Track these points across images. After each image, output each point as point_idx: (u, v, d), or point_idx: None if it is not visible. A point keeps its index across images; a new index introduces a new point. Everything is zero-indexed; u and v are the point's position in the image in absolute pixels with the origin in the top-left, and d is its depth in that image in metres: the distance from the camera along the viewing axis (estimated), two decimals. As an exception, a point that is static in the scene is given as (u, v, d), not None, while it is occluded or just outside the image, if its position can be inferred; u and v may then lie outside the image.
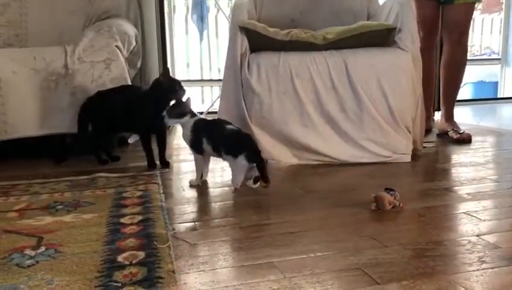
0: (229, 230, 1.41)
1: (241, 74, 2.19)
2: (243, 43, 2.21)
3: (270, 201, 1.71)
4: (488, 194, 1.70)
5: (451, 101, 2.84)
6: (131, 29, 2.77)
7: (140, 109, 2.13)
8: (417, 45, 2.25)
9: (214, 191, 1.84)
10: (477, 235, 1.31)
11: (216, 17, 4.90)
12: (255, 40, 2.23)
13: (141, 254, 1.17)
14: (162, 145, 2.20)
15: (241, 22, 2.21)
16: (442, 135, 2.81)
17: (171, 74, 2.19)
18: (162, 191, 1.76)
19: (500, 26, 4.98)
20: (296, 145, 2.20)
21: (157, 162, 2.18)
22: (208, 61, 4.91)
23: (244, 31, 2.21)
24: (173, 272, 1.08)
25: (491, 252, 1.20)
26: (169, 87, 2.07)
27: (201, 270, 1.13)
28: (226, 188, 1.85)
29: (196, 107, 4.27)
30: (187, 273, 1.11)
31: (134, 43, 2.72)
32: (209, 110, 3.73)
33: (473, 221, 1.43)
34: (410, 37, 2.23)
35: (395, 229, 1.39)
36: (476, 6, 2.78)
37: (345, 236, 1.33)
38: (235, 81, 2.20)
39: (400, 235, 1.33)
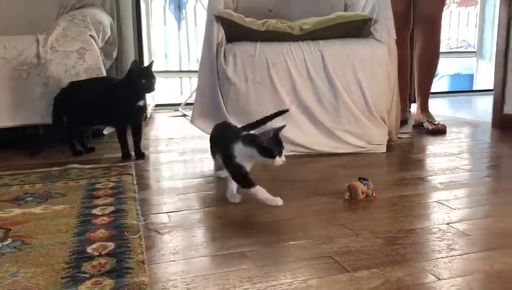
0: (203, 221, 1.40)
1: (217, 64, 2.17)
2: (219, 32, 2.19)
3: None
4: (460, 184, 1.72)
5: (425, 93, 2.86)
6: (106, 19, 2.72)
7: (115, 99, 2.09)
8: (393, 36, 2.26)
9: (190, 182, 1.82)
10: (448, 224, 1.33)
11: (195, 7, 4.85)
12: (231, 30, 2.21)
13: (111, 245, 1.16)
14: (138, 136, 2.17)
15: (216, 11, 2.19)
16: (418, 126, 2.84)
17: (146, 65, 2.16)
18: (135, 182, 1.73)
19: (476, 20, 5.06)
20: (273, 136, 2.19)
21: (132, 154, 2.16)
22: (187, 52, 4.87)
23: (220, 20, 2.19)
24: (143, 262, 1.07)
25: (460, 240, 1.21)
26: (142, 77, 2.03)
27: (172, 261, 1.12)
28: (202, 179, 1.84)
29: (174, 98, 4.26)
30: (157, 263, 1.10)
31: (109, 33, 2.67)
32: (188, 102, 3.70)
33: (444, 210, 1.45)
34: (386, 28, 2.24)
35: (367, 218, 1.40)
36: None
37: (318, 225, 1.34)
38: (211, 71, 2.18)
39: (372, 224, 1.34)
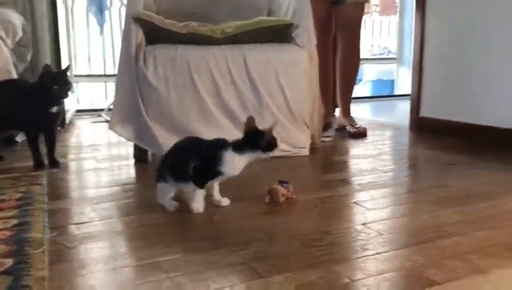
0: (117, 231, 1.33)
1: (136, 68, 2.09)
2: (138, 34, 2.11)
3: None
4: (377, 184, 1.77)
5: (347, 98, 2.95)
6: (17, 19, 2.55)
7: (25, 104, 1.95)
8: (313, 42, 2.30)
9: (107, 191, 1.73)
10: (363, 224, 1.35)
11: (120, 9, 4.69)
12: (151, 32, 2.14)
13: (9, 262, 1.06)
14: (51, 143, 2.04)
15: (135, 13, 2.11)
16: (341, 130, 2.91)
17: (60, 70, 2.04)
18: (45, 193, 1.62)
19: (396, 28, 5.31)
20: (196, 141, 2.15)
21: (46, 162, 2.02)
22: (112, 56, 4.68)
23: (139, 22, 2.12)
24: (43, 279, 0.99)
25: (374, 240, 1.24)
26: (54, 83, 1.91)
27: (79, 275, 1.05)
28: (119, 188, 1.75)
29: (99, 103, 4.08)
30: (61, 279, 1.02)
31: (20, 34, 2.50)
32: (111, 107, 3.55)
33: (361, 210, 1.48)
34: (307, 34, 2.28)
35: (286, 221, 1.40)
36: (365, 6, 2.91)
37: (237, 231, 1.31)
38: (130, 75, 2.10)
39: (290, 227, 1.33)
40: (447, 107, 2.78)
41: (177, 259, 1.13)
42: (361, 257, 1.14)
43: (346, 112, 2.95)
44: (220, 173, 1.41)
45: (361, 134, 2.76)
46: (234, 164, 1.42)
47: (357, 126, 2.84)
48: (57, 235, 1.26)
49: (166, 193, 1.47)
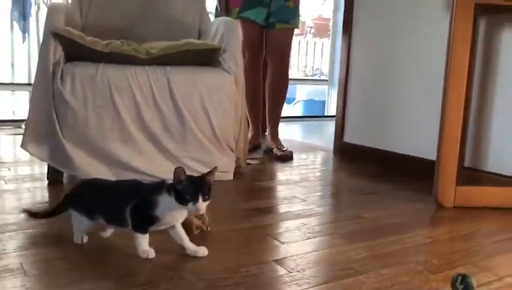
0: (14, 268, 1.24)
1: (53, 85, 1.99)
2: (56, 51, 2.02)
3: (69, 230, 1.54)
4: (294, 214, 1.79)
5: (275, 120, 2.99)
6: None
7: None
8: (240, 67, 2.30)
9: (11, 218, 1.61)
10: (275, 261, 1.35)
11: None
12: (71, 49, 2.06)
13: None
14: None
15: (54, 28, 2.02)
16: (268, 152, 2.94)
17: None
18: None
19: (329, 50, 5.47)
20: (115, 164, 2.08)
21: None
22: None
23: (58, 38, 2.03)
24: None
25: (280, 279, 1.24)
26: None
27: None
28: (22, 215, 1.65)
29: (22, 113, 3.86)
30: None
31: None
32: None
33: (273, 244, 1.48)
34: (234, 59, 2.28)
35: (196, 258, 1.36)
36: (294, 32, 2.97)
37: (139, 268, 1.26)
38: (46, 92, 2.00)
39: (199, 264, 1.30)
40: (368, 134, 2.88)
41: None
42: (266, 298, 1.13)
43: (274, 134, 2.99)
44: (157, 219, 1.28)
45: (287, 157, 2.80)
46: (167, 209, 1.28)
47: (284, 149, 2.88)
48: None
49: (83, 224, 1.37)
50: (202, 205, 1.25)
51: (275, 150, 2.88)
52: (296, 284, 1.21)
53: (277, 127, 3.00)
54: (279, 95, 2.98)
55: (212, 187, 1.30)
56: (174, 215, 1.30)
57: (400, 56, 2.70)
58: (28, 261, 1.29)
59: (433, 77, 2.47)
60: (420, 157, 2.52)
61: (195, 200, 1.24)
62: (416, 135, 2.61)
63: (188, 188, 1.24)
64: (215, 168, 1.33)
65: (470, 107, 2.33)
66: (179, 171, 1.26)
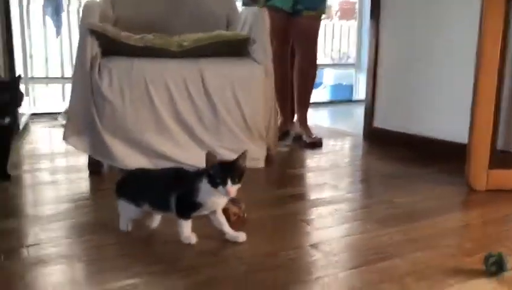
0: (68, 255, 1.33)
1: (91, 80, 2.08)
2: (93, 46, 2.10)
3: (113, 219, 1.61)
4: (326, 201, 1.83)
5: (304, 107, 3.02)
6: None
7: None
8: (269, 57, 2.33)
9: (59, 207, 1.72)
10: (311, 245, 1.40)
11: (78, 10, 4.59)
12: (106, 44, 2.13)
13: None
14: (3, 156, 2.00)
15: (89, 25, 2.10)
16: (297, 139, 2.98)
17: (7, 79, 1.99)
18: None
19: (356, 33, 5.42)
20: (152, 154, 2.16)
21: (-3, 175, 1.99)
22: (70, 58, 4.59)
23: (95, 34, 2.10)
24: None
25: (317, 263, 1.29)
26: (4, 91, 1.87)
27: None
28: (72, 205, 1.74)
29: (56, 106, 3.99)
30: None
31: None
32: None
33: (307, 230, 1.54)
34: (263, 49, 2.32)
35: (236, 243, 1.42)
36: (321, 18, 2.98)
37: (182, 254, 1.33)
38: (85, 87, 2.08)
39: (239, 249, 1.37)
40: (398, 118, 2.88)
41: (132, 285, 1.14)
42: (304, 281, 1.19)
43: (303, 121, 3.02)
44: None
45: (316, 144, 2.84)
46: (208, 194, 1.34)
47: (313, 136, 2.91)
48: (2, 261, 1.25)
49: (131, 212, 1.44)
50: (232, 188, 1.30)
51: (304, 137, 2.92)
52: (333, 267, 1.26)
53: (306, 114, 3.03)
54: (308, 83, 3.00)
55: (243, 171, 1.35)
56: (214, 201, 1.36)
57: (430, 38, 2.68)
58: (80, 248, 1.38)
59: (464, 59, 2.44)
60: (451, 141, 2.52)
61: (225, 184, 1.29)
62: (447, 118, 2.60)
63: (218, 171, 1.30)
64: (245, 151, 1.37)
65: (503, 88, 2.31)
66: (209, 155, 1.33)
